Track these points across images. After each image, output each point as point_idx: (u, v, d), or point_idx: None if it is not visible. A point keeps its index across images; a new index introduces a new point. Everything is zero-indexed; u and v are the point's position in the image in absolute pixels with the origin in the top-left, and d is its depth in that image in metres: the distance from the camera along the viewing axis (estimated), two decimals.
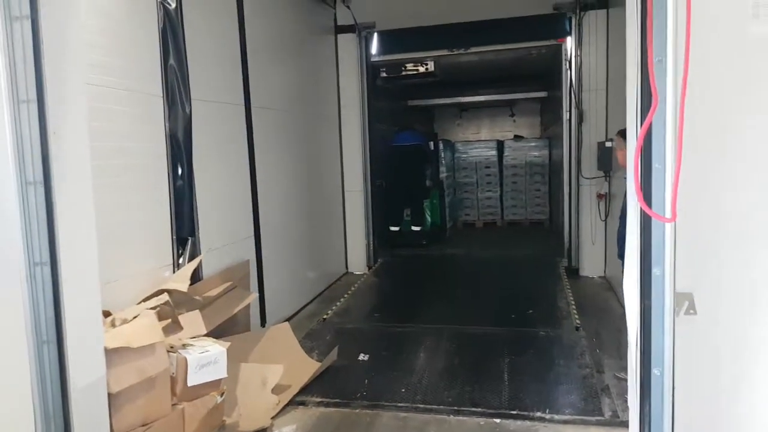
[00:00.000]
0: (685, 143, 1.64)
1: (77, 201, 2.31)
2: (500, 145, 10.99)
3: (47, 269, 2.20)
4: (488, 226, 10.77)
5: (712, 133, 1.67)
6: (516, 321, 5.35)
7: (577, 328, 5.02)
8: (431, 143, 9.79)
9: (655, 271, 1.69)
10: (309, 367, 4.25)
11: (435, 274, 7.61)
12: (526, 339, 4.85)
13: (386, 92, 9.11)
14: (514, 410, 3.67)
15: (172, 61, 3.85)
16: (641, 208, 1.62)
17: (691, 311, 1.73)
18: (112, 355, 2.51)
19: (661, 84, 1.57)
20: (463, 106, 12.16)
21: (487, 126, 12.64)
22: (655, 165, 1.64)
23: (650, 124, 1.55)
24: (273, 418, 3.66)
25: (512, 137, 11.55)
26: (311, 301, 6.23)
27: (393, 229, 9.09)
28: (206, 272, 4.19)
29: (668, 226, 1.62)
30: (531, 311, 5.58)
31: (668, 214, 1.54)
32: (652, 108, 1.51)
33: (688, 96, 1.50)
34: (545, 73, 9.36)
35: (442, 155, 10.02)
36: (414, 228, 9.11)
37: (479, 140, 11.68)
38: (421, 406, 3.77)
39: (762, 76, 1.64)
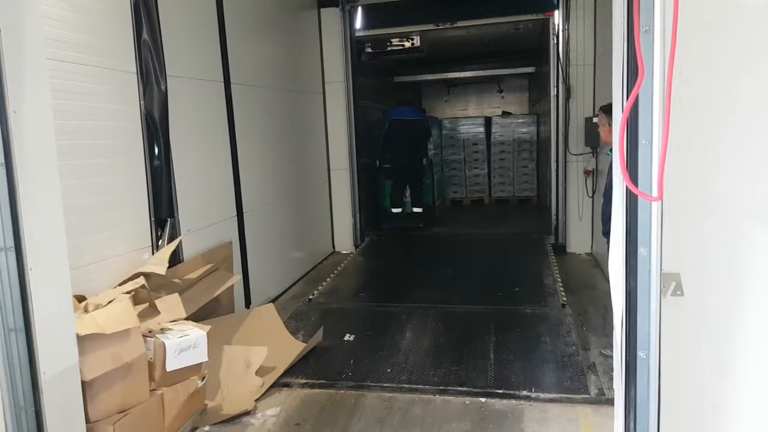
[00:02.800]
0: (673, 119, 1.57)
1: (42, 182, 2.21)
2: (488, 122, 10.88)
3: (12, 255, 2.12)
4: (476, 204, 10.71)
5: (701, 108, 1.60)
6: (502, 299, 5.33)
7: (563, 306, 5.01)
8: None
9: (642, 251, 1.64)
10: (294, 348, 4.20)
11: (422, 253, 7.56)
12: (513, 317, 4.83)
13: (372, 68, 8.94)
14: (500, 389, 3.66)
15: (145, 36, 3.70)
16: (627, 186, 1.56)
17: (678, 292, 1.68)
18: (85, 341, 2.43)
19: (647, 55, 1.49)
20: (451, 82, 12.01)
21: (475, 102, 12.51)
22: (642, 141, 1.57)
23: (636, 98, 1.48)
24: (257, 400, 3.62)
25: (500, 114, 11.45)
26: (297, 282, 6.18)
27: (395, 211, 8.46)
28: (187, 254, 4.10)
29: (655, 205, 1.56)
30: (517, 289, 5.56)
31: (655, 193, 1.48)
32: (638, 80, 1.43)
33: (677, 68, 1.43)
34: (533, 48, 9.23)
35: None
36: (415, 210, 8.46)
37: (467, 117, 11.56)
38: (407, 386, 3.75)
39: (754, 46, 1.57)
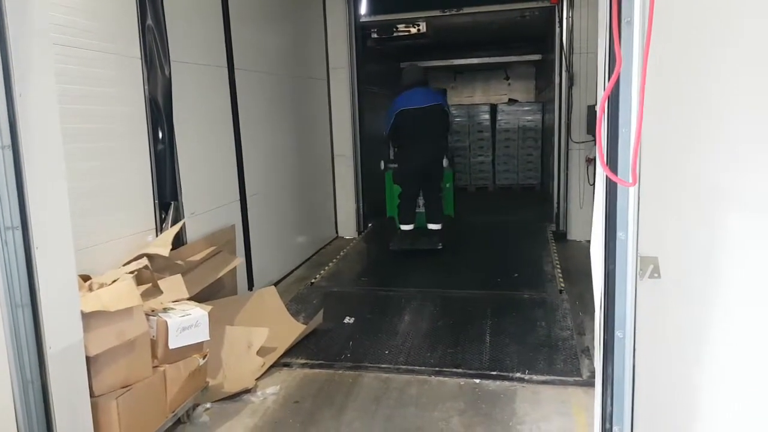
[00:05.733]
0: (651, 107, 1.62)
1: (47, 165, 2.29)
2: (493, 109, 10.87)
3: (18, 233, 2.20)
4: (480, 191, 10.75)
5: (678, 96, 1.65)
6: (501, 285, 5.40)
7: (560, 291, 5.07)
8: (446, 99, 7.16)
9: (620, 235, 1.70)
10: (294, 329, 4.30)
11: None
12: (510, 302, 4.90)
13: (378, 54, 8.94)
14: (494, 371, 3.74)
15: (150, 21, 3.76)
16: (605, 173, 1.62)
17: (656, 275, 1.74)
18: (89, 318, 2.52)
19: (627, 47, 1.54)
20: (458, 69, 11.97)
21: (481, 90, 12.48)
22: (622, 130, 1.63)
23: (613, 88, 1.53)
24: (257, 379, 3.72)
25: (506, 101, 11.43)
26: (300, 266, 6.27)
27: (404, 228, 6.50)
28: (190, 237, 4.19)
29: (631, 191, 1.61)
30: (516, 275, 5.62)
31: (629, 179, 1.53)
32: (615, 71, 1.48)
33: (654, 57, 1.47)
34: (539, 36, 9.19)
35: None
36: (431, 227, 6.44)
37: (472, 104, 11.54)
38: (403, 367, 3.84)
39: (727, 34, 1.61)
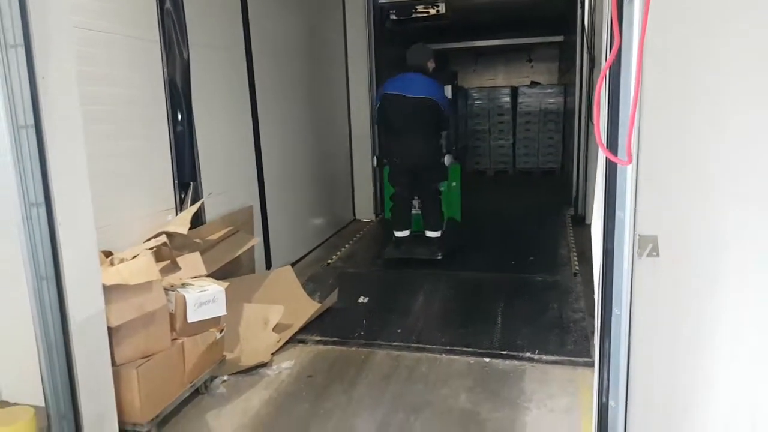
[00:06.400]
0: (652, 84, 1.64)
1: (68, 144, 2.39)
2: (514, 92, 10.78)
3: (42, 210, 2.30)
4: (499, 175, 10.71)
5: (680, 73, 1.66)
6: (515, 267, 5.43)
7: (575, 274, 5.08)
8: (449, 90, 6.24)
9: (619, 214, 1.73)
10: (309, 307, 4.40)
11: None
12: (524, 285, 4.93)
13: (396, 36, 8.90)
14: (504, 351, 3.79)
15: (168, 5, 3.83)
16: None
17: (654, 254, 1.77)
18: (110, 291, 2.64)
19: (628, 25, 1.55)
20: (479, 50, 11.84)
21: (504, 72, 12.36)
22: (621, 109, 1.65)
23: (612, 67, 1.55)
24: (273, 354, 3.83)
25: (529, 84, 11.31)
26: (317, 247, 6.37)
27: (399, 235, 5.63)
28: (209, 217, 4.30)
29: (629, 170, 1.64)
30: (532, 258, 5.64)
31: (626, 157, 1.55)
32: (613, 50, 1.50)
33: (653, 33, 1.49)
34: (562, 17, 9.04)
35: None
36: (429, 234, 5.59)
37: (493, 86, 11.45)
38: (415, 345, 3.91)
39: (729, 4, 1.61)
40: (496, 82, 12.21)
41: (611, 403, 1.85)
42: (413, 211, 5.73)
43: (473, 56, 12.26)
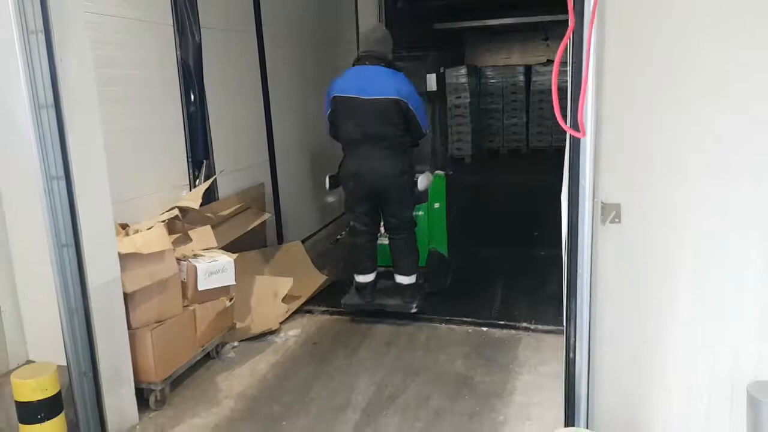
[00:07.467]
0: (615, 58, 1.77)
1: (85, 122, 2.60)
2: (528, 71, 10.76)
3: (62, 183, 2.52)
4: (512, 153, 10.76)
5: (642, 45, 1.78)
6: (519, 242, 5.56)
7: None
8: (433, 79, 4.52)
9: (582, 182, 1.86)
10: (317, 280, 4.62)
11: (450, 199, 7.78)
12: (526, 259, 5.07)
13: (409, 16, 8.93)
14: (501, 321, 3.96)
15: None
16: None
17: (616, 220, 1.91)
18: (125, 259, 2.86)
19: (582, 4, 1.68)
20: (494, 29, 11.81)
21: (519, 51, 12.32)
22: (582, 83, 1.78)
23: (571, 44, 1.68)
24: (281, 323, 4.05)
25: (545, 62, 11.26)
26: (327, 225, 6.54)
27: (359, 279, 4.14)
28: (222, 194, 4.50)
29: (587, 142, 1.77)
30: (536, 234, 5.76)
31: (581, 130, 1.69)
32: (569, 29, 1.63)
33: (615, 12, 1.60)
34: None
35: (464, 92, 9.17)
36: (400, 279, 4.07)
37: (507, 65, 11.43)
38: (417, 316, 4.08)
39: None
40: (510, 60, 12.17)
41: (577, 357, 2.00)
42: (379, 241, 4.23)
43: (488, 35, 12.22)
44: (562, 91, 1.59)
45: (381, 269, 4.24)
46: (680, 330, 1.97)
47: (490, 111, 10.81)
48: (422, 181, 4.06)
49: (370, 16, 7.38)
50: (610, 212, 1.90)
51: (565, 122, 1.69)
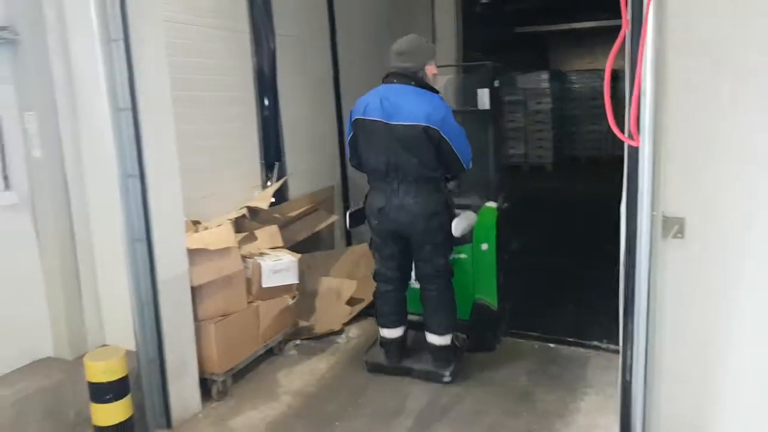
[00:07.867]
0: (677, 65, 1.66)
1: (160, 124, 2.76)
2: (614, 75, 10.29)
3: (136, 180, 2.69)
4: (591, 162, 10.34)
5: (707, 56, 1.66)
6: (592, 255, 5.30)
7: None
8: (486, 95, 3.80)
9: (640, 194, 1.75)
10: None
11: (525, 207, 7.58)
12: (599, 273, 4.81)
13: (488, 19, 8.80)
14: (570, 338, 3.79)
15: None
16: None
17: (679, 235, 1.78)
18: (193, 255, 3.01)
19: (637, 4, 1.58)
20: (577, 33, 11.43)
21: (603, 55, 11.79)
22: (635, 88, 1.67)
23: (618, 49, 1.58)
24: (344, 324, 4.11)
25: None
26: None
27: (387, 336, 3.50)
28: (292, 195, 4.63)
29: (644, 150, 1.66)
30: (609, 247, 5.47)
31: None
32: (621, 31, 1.54)
33: (679, 20, 1.50)
34: None
35: (545, 97, 8.94)
36: (431, 339, 3.41)
37: (589, 70, 11.01)
38: None
39: None
40: (595, 65, 11.72)
41: (633, 380, 1.88)
42: (412, 285, 3.56)
43: (571, 38, 11.82)
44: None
45: (413, 317, 3.55)
46: (749, 360, 1.81)
47: (567, 118, 10.46)
48: (458, 226, 3.28)
49: (446, 20, 7.33)
50: (673, 226, 1.77)
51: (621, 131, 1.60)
